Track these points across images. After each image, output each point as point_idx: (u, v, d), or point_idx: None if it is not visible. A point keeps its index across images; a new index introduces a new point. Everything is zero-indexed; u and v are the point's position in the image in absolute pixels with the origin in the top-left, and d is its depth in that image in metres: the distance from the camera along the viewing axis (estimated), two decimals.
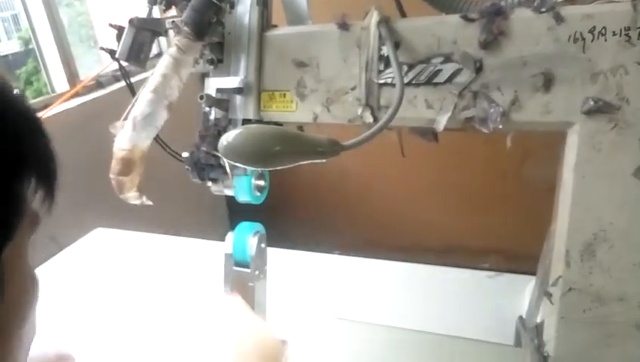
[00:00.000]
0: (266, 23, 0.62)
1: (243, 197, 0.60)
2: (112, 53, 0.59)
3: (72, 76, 1.54)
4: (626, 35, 0.46)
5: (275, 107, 0.60)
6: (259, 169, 0.59)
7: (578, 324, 0.49)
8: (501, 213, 1.81)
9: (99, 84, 1.59)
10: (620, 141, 0.47)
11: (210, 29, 0.55)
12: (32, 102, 1.44)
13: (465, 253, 1.78)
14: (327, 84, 0.58)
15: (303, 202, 2.02)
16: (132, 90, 0.60)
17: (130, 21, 0.58)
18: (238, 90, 0.60)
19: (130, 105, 0.53)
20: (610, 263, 0.47)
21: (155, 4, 0.59)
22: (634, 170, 0.46)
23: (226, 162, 0.58)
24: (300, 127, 0.61)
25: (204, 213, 1.91)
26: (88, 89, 1.56)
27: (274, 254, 0.65)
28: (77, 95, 1.50)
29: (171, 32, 0.57)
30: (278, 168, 0.45)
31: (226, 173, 0.59)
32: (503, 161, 1.61)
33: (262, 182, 0.62)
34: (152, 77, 0.53)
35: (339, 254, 0.91)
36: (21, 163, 0.29)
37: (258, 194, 0.62)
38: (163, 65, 0.53)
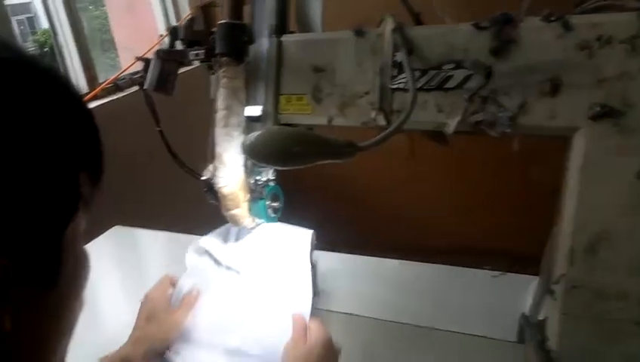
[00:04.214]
0: (283, 30, 0.65)
1: (260, 219, 0.64)
2: (140, 84, 0.62)
3: (92, 79, 1.58)
4: (632, 43, 0.48)
5: (292, 110, 0.63)
6: (277, 169, 0.62)
7: (580, 321, 0.50)
8: (507, 214, 1.83)
9: (117, 87, 1.63)
10: (624, 145, 0.49)
11: (245, 47, 0.59)
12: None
13: (471, 254, 1.79)
14: (342, 88, 0.60)
15: (311, 201, 2.04)
16: (156, 119, 0.63)
17: (157, 53, 0.61)
18: (257, 119, 0.62)
19: (209, 146, 0.57)
20: (613, 262, 0.49)
21: (177, 39, 0.62)
22: (637, 172, 0.48)
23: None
24: (310, 128, 0.63)
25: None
26: (107, 91, 1.60)
27: None
28: (95, 98, 1.54)
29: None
30: (298, 167, 0.48)
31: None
32: (510, 164, 1.62)
33: (276, 204, 0.65)
34: (218, 113, 0.57)
35: (346, 253, 0.94)
36: (80, 153, 0.31)
37: (273, 215, 0.65)
38: (221, 99, 0.56)
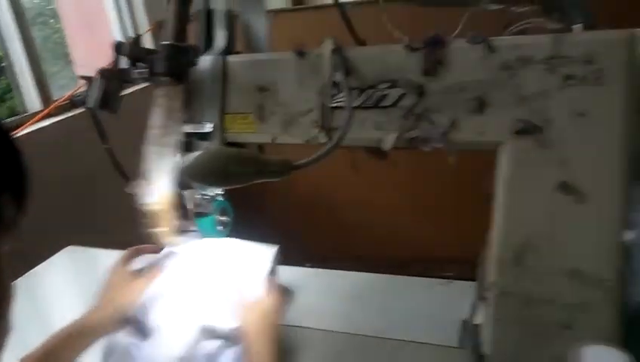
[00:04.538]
0: (229, 50, 0.66)
1: (207, 235, 0.65)
2: (82, 102, 0.62)
3: (46, 96, 1.55)
4: (549, 63, 0.52)
5: (237, 128, 0.64)
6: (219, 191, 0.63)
7: (511, 325, 0.53)
8: (465, 223, 1.88)
9: (72, 103, 1.61)
10: (544, 158, 0.52)
11: (186, 69, 0.60)
12: (6, 121, 1.45)
13: (431, 262, 1.84)
14: (286, 107, 0.62)
15: (274, 215, 2.05)
16: (103, 136, 0.63)
17: (100, 72, 0.61)
18: (202, 136, 0.63)
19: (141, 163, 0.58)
20: (539, 269, 0.52)
21: (121, 55, 0.62)
22: (556, 184, 0.52)
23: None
24: (260, 147, 0.65)
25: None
26: (62, 108, 1.58)
27: None
28: (50, 115, 1.51)
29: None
30: (236, 187, 0.49)
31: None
32: (466, 175, 1.67)
33: (225, 218, 0.66)
34: (151, 132, 0.57)
35: (309, 266, 0.95)
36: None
37: (222, 229, 0.66)
38: (157, 117, 0.57)
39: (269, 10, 0.97)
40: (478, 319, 0.59)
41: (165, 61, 0.58)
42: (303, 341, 0.71)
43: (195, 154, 0.47)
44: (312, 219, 2.05)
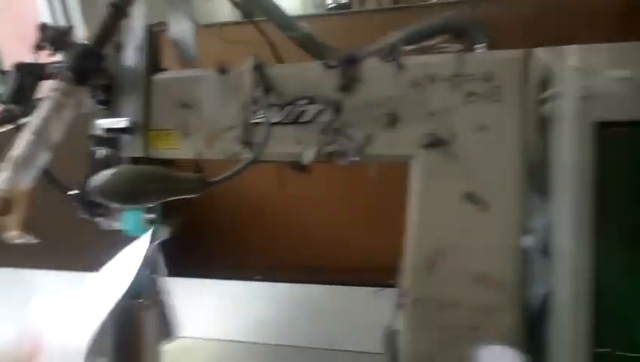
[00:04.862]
0: (153, 67, 0.67)
1: (133, 232, 0.64)
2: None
3: None
4: (453, 80, 0.55)
5: (162, 145, 0.64)
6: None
7: (425, 331, 0.56)
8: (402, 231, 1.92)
9: None
10: (451, 170, 0.55)
11: (92, 75, 0.60)
12: None
13: (377, 271, 1.87)
14: (209, 123, 0.63)
15: (223, 229, 2.04)
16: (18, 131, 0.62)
17: (16, 66, 0.61)
18: (126, 130, 0.64)
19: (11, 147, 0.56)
20: (448, 275, 0.55)
21: (41, 49, 0.62)
22: (463, 194, 0.55)
23: None
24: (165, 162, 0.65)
25: (106, 246, 1.87)
26: None
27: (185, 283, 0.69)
28: None
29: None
30: (149, 205, 0.50)
31: (115, 208, 0.62)
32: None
33: (152, 215, 0.66)
34: (33, 119, 0.56)
35: (258, 280, 0.96)
36: None
37: (149, 226, 0.65)
38: (44, 108, 0.56)
39: (216, 23, 0.99)
40: (398, 325, 0.62)
41: (75, 58, 0.57)
42: (229, 354, 0.71)
43: (105, 173, 0.47)
44: (263, 232, 2.05)
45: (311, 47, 0.69)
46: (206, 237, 1.88)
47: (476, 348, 0.48)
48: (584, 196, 0.47)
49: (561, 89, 0.49)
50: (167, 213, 0.72)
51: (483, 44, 0.61)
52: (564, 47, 0.63)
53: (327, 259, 1.97)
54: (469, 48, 0.62)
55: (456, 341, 0.55)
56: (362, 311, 0.78)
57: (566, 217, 0.48)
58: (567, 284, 0.48)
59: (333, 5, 2.91)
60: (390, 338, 0.60)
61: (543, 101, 0.53)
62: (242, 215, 2.04)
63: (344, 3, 2.81)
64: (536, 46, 0.57)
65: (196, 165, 0.68)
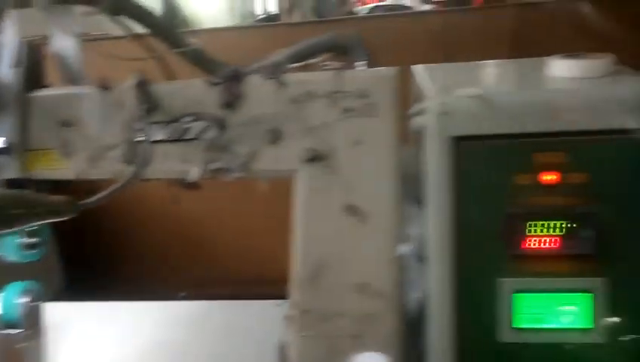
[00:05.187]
0: (32, 84, 0.64)
1: (11, 258, 0.61)
2: None
3: None
4: (332, 97, 0.57)
5: (41, 165, 0.62)
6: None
7: (311, 342, 0.57)
8: None
9: None
10: (331, 184, 0.57)
11: None
12: None
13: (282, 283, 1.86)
14: (92, 142, 0.61)
15: (145, 249, 1.97)
16: None
17: None
18: (2, 151, 0.60)
19: None
20: (331, 286, 0.57)
21: None
22: (343, 207, 0.57)
23: None
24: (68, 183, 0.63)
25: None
26: None
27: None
28: None
29: None
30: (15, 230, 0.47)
31: None
32: None
33: (34, 239, 0.63)
34: None
35: (181, 299, 0.95)
36: None
37: (30, 252, 0.62)
38: None
39: (105, 37, 0.95)
40: (288, 338, 0.63)
41: None
42: None
43: None
44: (182, 249, 1.99)
45: (201, 63, 0.69)
46: (101, 258, 1.81)
47: (352, 356, 0.50)
48: (444, 205, 0.50)
49: (425, 105, 0.52)
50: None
51: (363, 62, 0.64)
52: (434, 65, 0.67)
53: (232, 271, 1.94)
54: (350, 66, 0.64)
55: (342, 350, 0.57)
56: (262, 326, 0.78)
57: (431, 224, 0.51)
58: (433, 288, 0.51)
59: (263, 17, 2.92)
60: (281, 351, 0.61)
61: (414, 116, 0.56)
62: (161, 235, 1.97)
63: (273, 15, 2.83)
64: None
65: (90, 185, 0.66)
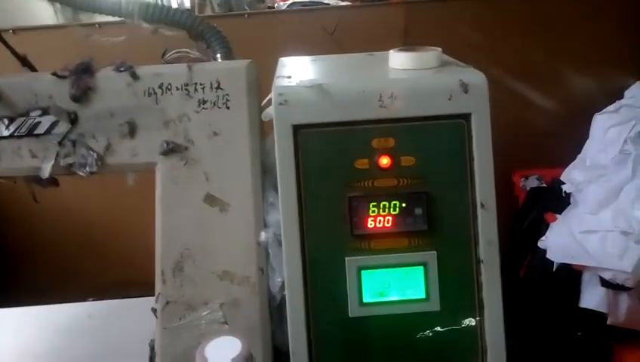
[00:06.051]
0: None
1: None
2: None
3: None
4: (186, 89, 0.58)
5: None
6: None
7: (176, 332, 0.57)
8: None
9: None
10: (190, 175, 0.58)
11: None
12: None
13: None
14: None
15: (49, 254, 1.85)
16: None
17: None
18: None
19: None
20: (195, 275, 0.58)
21: None
22: (203, 197, 0.58)
23: None
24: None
25: None
26: None
27: None
28: None
29: None
30: None
31: None
32: None
33: None
34: None
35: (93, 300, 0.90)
36: None
37: None
38: None
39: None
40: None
41: None
42: None
43: None
44: (88, 252, 1.89)
45: None
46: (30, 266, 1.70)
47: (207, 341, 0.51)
48: (291, 191, 0.53)
49: (271, 96, 0.54)
50: None
51: (222, 54, 0.65)
52: (286, 58, 0.70)
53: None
54: (212, 57, 0.64)
55: (209, 337, 0.58)
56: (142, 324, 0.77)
57: (281, 210, 0.53)
58: (287, 270, 0.54)
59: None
60: (151, 347, 0.61)
61: (265, 107, 0.58)
62: (65, 238, 1.86)
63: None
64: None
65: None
